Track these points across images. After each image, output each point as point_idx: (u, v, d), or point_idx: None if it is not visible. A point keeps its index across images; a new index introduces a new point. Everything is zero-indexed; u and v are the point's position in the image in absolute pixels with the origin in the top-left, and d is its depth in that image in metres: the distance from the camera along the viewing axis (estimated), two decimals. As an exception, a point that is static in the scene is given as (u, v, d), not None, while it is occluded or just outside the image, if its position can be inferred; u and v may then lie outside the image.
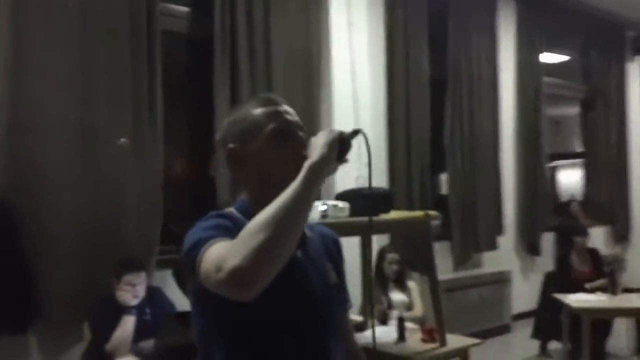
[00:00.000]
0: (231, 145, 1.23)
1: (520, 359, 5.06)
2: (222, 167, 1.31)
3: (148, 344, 3.14)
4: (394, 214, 2.99)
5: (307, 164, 1.06)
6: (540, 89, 6.72)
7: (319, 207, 2.80)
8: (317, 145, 1.10)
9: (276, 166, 1.19)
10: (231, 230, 1.11)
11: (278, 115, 1.23)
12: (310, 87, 4.76)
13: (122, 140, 3.67)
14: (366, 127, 4.79)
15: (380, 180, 5.15)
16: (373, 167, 1.29)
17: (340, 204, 2.87)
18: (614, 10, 7.56)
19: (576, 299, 4.19)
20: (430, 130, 5.48)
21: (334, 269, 1.33)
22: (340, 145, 1.12)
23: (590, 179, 8.02)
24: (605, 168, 7.78)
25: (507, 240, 6.30)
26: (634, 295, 4.45)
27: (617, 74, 7.94)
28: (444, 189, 5.85)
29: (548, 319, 4.91)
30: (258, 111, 1.24)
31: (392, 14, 5.30)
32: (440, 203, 5.53)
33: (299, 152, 1.18)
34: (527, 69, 6.61)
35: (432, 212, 3.02)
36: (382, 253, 4.16)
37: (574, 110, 9.10)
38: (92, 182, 3.58)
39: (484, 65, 6.10)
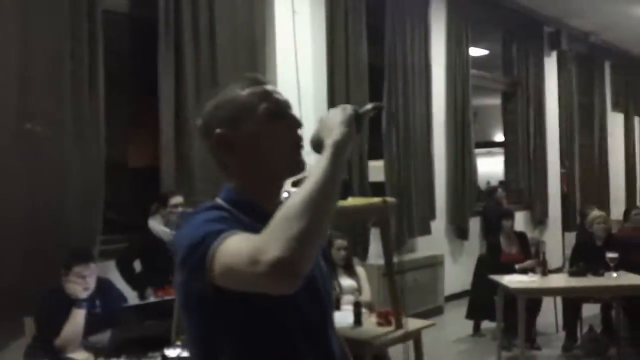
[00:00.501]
0: (219, 131, 1.14)
1: (455, 338, 5.27)
2: (210, 155, 1.20)
3: (99, 338, 3.01)
4: (352, 201, 3.02)
5: (330, 144, 1.00)
6: (467, 81, 6.98)
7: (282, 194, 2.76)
8: (334, 124, 1.04)
9: (272, 148, 1.14)
10: (233, 221, 1.05)
11: (268, 95, 1.16)
12: (254, 72, 4.70)
13: (30, 125, 3.43)
14: (309, 114, 4.84)
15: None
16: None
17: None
18: (532, 6, 7.96)
19: (511, 280, 4.41)
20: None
21: (324, 261, 1.28)
22: (356, 123, 1.08)
23: (509, 166, 8.43)
24: (524, 156, 8.20)
25: (438, 225, 6.53)
26: (558, 275, 4.73)
27: (535, 67, 8.36)
28: (372, 176, 5.95)
29: (481, 299, 5.14)
30: (246, 92, 1.16)
31: (332, 3, 5.31)
32: (371, 190, 5.63)
33: (295, 131, 1.15)
34: (456, 61, 6.84)
35: (390, 199, 3.07)
36: (330, 239, 4.18)
37: (493, 101, 9.52)
38: (30, 169, 3.40)
39: (417, 56, 6.25)
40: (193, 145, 4.30)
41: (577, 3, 7.87)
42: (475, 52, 7.84)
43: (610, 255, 4.39)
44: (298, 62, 5.07)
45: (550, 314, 5.21)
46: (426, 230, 6.22)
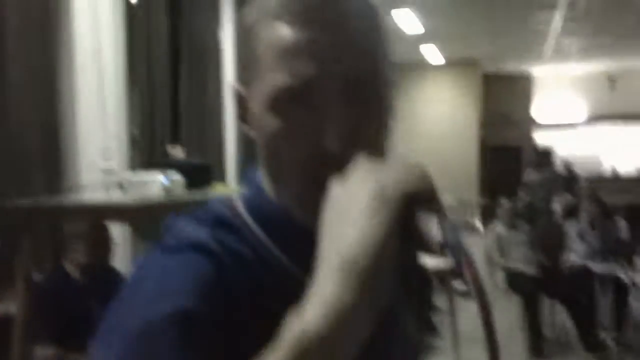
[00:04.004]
0: (235, 85, 0.70)
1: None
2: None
3: None
4: (222, 188, 2.86)
5: (336, 258, 0.50)
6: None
7: (161, 180, 2.50)
8: (359, 204, 0.51)
9: (277, 153, 0.63)
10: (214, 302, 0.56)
11: (296, 59, 0.60)
12: (49, 31, 4.10)
13: None
14: (109, 89, 4.41)
15: (121, 147, 4.77)
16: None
17: (174, 175, 2.61)
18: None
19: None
20: (169, 98, 5.30)
21: None
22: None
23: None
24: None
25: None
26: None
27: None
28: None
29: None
30: (267, 37, 0.63)
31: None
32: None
33: (320, 148, 0.60)
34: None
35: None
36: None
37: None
38: None
39: (211, 37, 6.12)
40: None
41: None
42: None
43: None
44: (97, 29, 4.55)
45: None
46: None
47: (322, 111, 0.60)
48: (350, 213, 0.51)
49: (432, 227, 0.51)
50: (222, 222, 0.65)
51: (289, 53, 0.60)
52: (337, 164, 0.56)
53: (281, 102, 0.61)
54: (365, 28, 0.63)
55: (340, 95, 0.60)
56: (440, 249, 0.55)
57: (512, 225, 5.17)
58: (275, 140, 0.62)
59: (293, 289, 0.53)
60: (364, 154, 0.56)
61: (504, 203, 5.28)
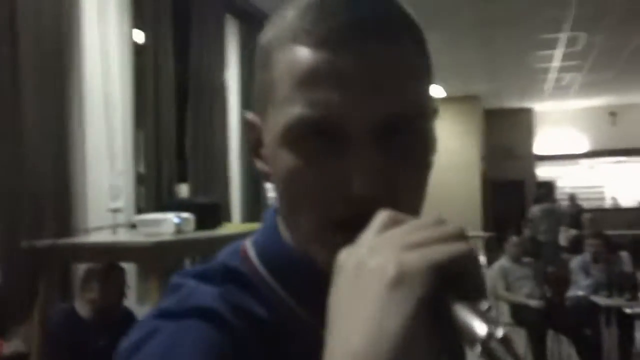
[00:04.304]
0: (248, 115, 0.62)
1: None
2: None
3: None
4: (232, 227, 2.93)
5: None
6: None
7: (173, 219, 2.58)
8: (374, 286, 0.39)
9: (293, 193, 0.55)
10: None
11: (317, 86, 0.52)
12: (61, 74, 4.22)
13: None
14: (117, 129, 4.53)
15: (128, 187, 4.84)
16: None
17: (185, 215, 2.69)
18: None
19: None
20: (175, 138, 5.40)
21: None
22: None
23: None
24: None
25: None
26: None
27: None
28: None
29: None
30: (285, 60, 0.54)
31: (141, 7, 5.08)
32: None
33: (341, 191, 0.52)
34: (250, 87, 7.00)
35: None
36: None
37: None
38: None
39: (217, 78, 6.27)
40: None
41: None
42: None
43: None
44: (107, 73, 4.70)
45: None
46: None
47: (346, 148, 0.51)
48: (361, 293, 0.38)
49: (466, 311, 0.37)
50: (232, 274, 0.59)
51: (309, 79, 0.51)
52: (361, 212, 0.47)
53: (298, 135, 0.52)
54: (402, 50, 0.54)
55: (368, 130, 0.51)
56: (482, 344, 0.32)
57: (516, 259, 5.22)
58: (291, 178, 0.53)
59: (310, 340, 0.50)
60: (390, 206, 0.45)
61: (510, 237, 5.34)
